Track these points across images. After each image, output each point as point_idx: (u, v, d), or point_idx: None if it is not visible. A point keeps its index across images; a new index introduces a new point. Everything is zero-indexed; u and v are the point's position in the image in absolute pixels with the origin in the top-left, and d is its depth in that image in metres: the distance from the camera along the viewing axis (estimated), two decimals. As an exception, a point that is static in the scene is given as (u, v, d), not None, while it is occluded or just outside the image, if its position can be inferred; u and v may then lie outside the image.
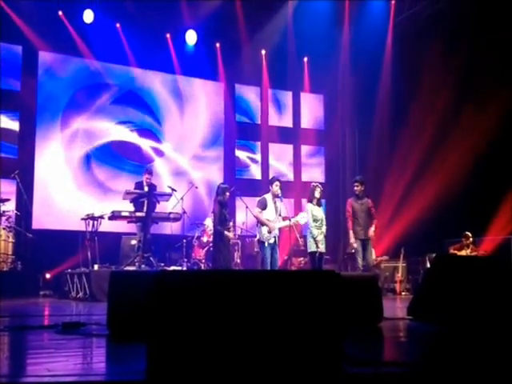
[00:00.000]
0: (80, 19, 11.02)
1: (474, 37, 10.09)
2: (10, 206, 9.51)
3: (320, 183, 8.17)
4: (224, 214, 7.56)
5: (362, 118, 12.94)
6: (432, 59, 10.85)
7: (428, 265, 9.39)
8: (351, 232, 7.95)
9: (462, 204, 9.75)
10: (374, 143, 12.46)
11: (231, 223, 7.81)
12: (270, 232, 7.15)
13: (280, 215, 7.40)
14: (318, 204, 7.78)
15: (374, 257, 10.54)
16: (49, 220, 10.53)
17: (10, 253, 9.16)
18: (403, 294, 10.24)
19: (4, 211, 9.28)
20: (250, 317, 2.35)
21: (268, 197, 7.38)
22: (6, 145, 10.48)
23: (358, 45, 12.21)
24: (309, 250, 7.59)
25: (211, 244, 7.67)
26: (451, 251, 9.54)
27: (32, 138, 10.73)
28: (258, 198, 7.55)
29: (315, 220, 7.55)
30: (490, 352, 3.18)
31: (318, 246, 7.46)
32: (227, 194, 7.68)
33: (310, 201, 7.73)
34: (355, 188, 8.17)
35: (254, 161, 13.17)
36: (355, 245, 7.92)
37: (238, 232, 10.79)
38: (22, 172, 9.83)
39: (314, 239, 7.48)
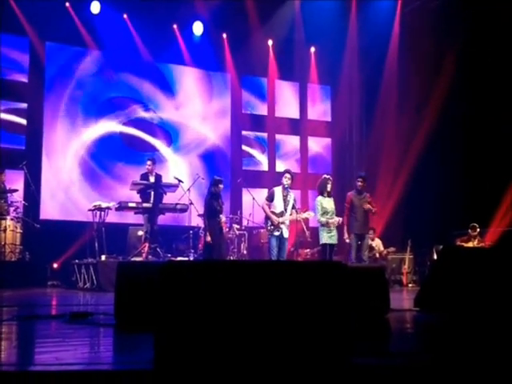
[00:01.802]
0: (87, 10, 11.01)
1: (483, 27, 9.98)
2: (18, 197, 9.57)
3: (327, 175, 8.17)
4: (215, 205, 7.62)
5: (370, 108, 12.86)
6: (440, 50, 10.75)
7: (435, 256, 9.37)
8: (346, 227, 8.04)
9: (469, 195, 9.71)
10: (381, 134, 12.40)
11: (222, 216, 7.85)
12: (273, 225, 7.18)
13: (293, 208, 7.39)
14: (329, 196, 7.79)
15: (381, 248, 10.56)
16: (56, 211, 10.59)
17: (18, 243, 9.22)
18: (410, 285, 10.23)
19: (12, 202, 9.34)
20: (257, 307, 2.35)
21: (277, 189, 7.42)
22: (14, 136, 10.52)
23: (365, 36, 12.13)
24: (321, 242, 7.63)
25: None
26: (458, 243, 9.51)
27: (39, 129, 10.77)
28: (264, 190, 7.58)
29: (326, 212, 7.56)
30: (497, 343, 3.17)
31: (329, 238, 7.49)
32: (220, 186, 7.79)
33: (321, 193, 7.74)
34: (359, 183, 8.22)
35: (260, 152, 13.15)
36: (348, 240, 8.02)
37: (245, 223, 10.80)
38: (30, 163, 9.86)
39: (326, 231, 7.50)
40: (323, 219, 7.54)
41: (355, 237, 7.95)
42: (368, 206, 8.09)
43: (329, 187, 7.67)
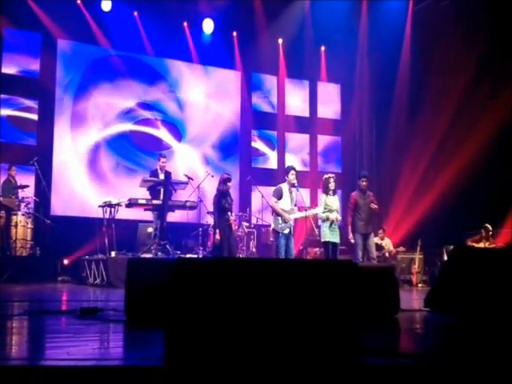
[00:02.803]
0: (98, 7, 11.07)
1: (494, 24, 9.89)
2: (29, 193, 9.65)
3: (336, 173, 8.16)
4: (223, 203, 7.62)
5: (379, 107, 12.80)
6: (451, 48, 10.67)
7: (445, 257, 9.31)
8: (350, 227, 8.05)
9: (481, 195, 9.62)
10: (391, 133, 12.34)
11: (231, 214, 7.84)
12: (285, 222, 7.15)
13: (296, 205, 7.39)
14: (333, 194, 7.76)
15: (391, 247, 10.51)
16: (67, 207, 10.66)
17: (28, 239, 9.30)
18: (419, 285, 10.18)
19: (23, 197, 9.42)
20: (268, 305, 2.35)
21: (284, 186, 7.37)
22: (26, 132, 10.60)
23: (376, 33, 12.07)
24: (322, 240, 7.59)
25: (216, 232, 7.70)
26: (469, 243, 9.44)
27: (50, 125, 10.83)
28: (273, 188, 7.55)
29: (329, 210, 7.54)
30: (508, 344, 3.15)
31: (331, 236, 7.46)
32: (229, 184, 7.79)
33: (325, 192, 7.72)
34: (363, 183, 8.20)
35: (270, 150, 13.14)
36: (352, 240, 8.02)
37: (254, 221, 10.80)
38: (41, 159, 9.93)
39: (328, 229, 7.47)
40: (323, 215, 7.53)
41: (360, 236, 7.94)
42: (374, 205, 8.07)
43: (331, 186, 7.66)
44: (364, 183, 8.21)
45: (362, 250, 7.93)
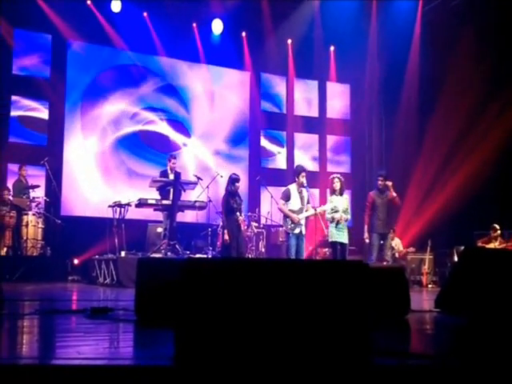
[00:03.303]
0: (108, 8, 11.12)
1: (505, 25, 9.80)
2: (40, 193, 9.72)
3: (345, 174, 8.15)
4: (231, 203, 7.63)
5: (389, 107, 12.74)
6: (461, 48, 10.58)
7: (456, 257, 9.25)
8: (366, 226, 8.03)
9: (491, 195, 9.55)
10: (400, 133, 12.28)
11: (239, 214, 7.83)
12: (293, 223, 7.16)
13: (308, 203, 7.39)
14: (340, 194, 7.74)
15: (401, 248, 10.46)
16: (77, 207, 10.72)
17: (39, 238, 9.37)
18: (430, 286, 10.12)
19: (34, 197, 9.49)
20: (278, 305, 2.34)
21: (292, 187, 7.38)
22: (36, 133, 10.68)
23: (385, 34, 12.03)
24: (330, 240, 7.58)
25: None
26: (479, 244, 9.37)
27: (61, 125, 10.91)
28: (283, 188, 7.56)
29: (336, 211, 7.52)
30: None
31: (338, 236, 7.45)
32: (237, 184, 7.77)
33: (333, 193, 7.73)
34: (379, 182, 8.17)
35: (279, 150, 13.13)
36: (367, 240, 8.01)
37: (263, 221, 10.79)
38: (51, 159, 10.00)
39: (334, 229, 7.46)
40: (329, 216, 7.52)
41: (377, 236, 7.91)
42: (393, 194, 8.04)
43: (336, 186, 7.64)
44: (380, 182, 8.17)
45: (377, 251, 7.88)
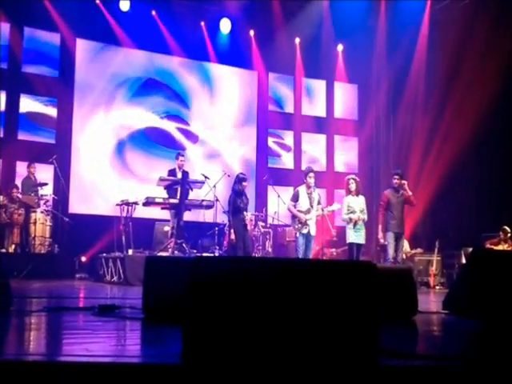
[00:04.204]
0: (116, 7, 11.16)
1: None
2: (48, 191, 9.77)
3: (353, 174, 8.14)
4: (238, 203, 7.63)
5: (397, 108, 12.70)
6: (471, 49, 10.52)
7: (464, 259, 9.20)
8: (380, 226, 7.95)
9: (499, 197, 9.49)
10: (408, 133, 12.23)
11: (246, 213, 7.83)
12: (300, 223, 7.19)
13: (319, 204, 7.43)
14: (357, 195, 7.73)
15: (408, 249, 10.41)
16: (85, 205, 10.77)
17: (47, 236, 9.42)
18: (437, 287, 10.07)
19: (42, 195, 9.54)
20: (285, 305, 2.34)
21: (301, 188, 7.43)
22: (45, 130, 10.74)
23: (394, 33, 11.99)
24: (347, 241, 7.60)
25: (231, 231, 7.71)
26: (487, 246, 9.32)
27: (69, 123, 10.97)
28: (290, 188, 7.61)
29: (353, 212, 7.52)
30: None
31: (356, 238, 7.46)
32: (244, 183, 7.79)
33: (348, 193, 7.73)
34: (395, 181, 8.09)
35: (286, 150, 13.12)
36: (382, 240, 7.93)
37: (270, 221, 10.78)
38: (60, 157, 10.05)
39: (352, 230, 7.47)
40: (346, 216, 7.52)
41: (392, 235, 7.82)
42: (408, 192, 7.99)
43: (352, 187, 7.64)
44: (396, 181, 8.08)
45: (393, 250, 7.80)
